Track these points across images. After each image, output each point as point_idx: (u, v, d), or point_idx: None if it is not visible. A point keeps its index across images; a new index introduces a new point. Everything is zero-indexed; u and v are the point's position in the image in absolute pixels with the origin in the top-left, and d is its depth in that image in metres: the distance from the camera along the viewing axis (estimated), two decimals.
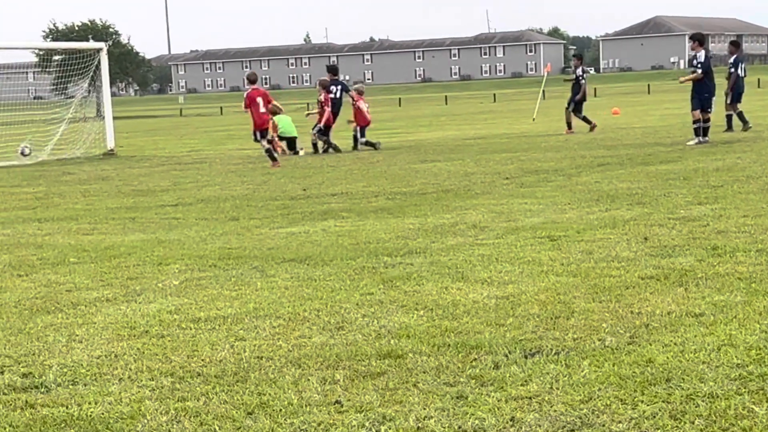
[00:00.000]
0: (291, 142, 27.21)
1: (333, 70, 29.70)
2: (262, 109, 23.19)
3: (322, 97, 27.66)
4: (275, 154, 23.39)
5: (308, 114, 30.10)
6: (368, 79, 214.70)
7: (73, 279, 9.60)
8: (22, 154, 29.71)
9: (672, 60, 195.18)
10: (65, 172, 24.69)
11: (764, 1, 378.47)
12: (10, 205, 17.34)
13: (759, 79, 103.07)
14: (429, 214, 13.12)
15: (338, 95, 28.27)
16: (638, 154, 20.90)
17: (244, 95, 23.72)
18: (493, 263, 9.34)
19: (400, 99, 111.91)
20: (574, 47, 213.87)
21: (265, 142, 23.40)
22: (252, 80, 23.90)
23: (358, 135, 27.97)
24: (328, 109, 27.25)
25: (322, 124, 27.17)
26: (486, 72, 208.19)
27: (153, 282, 9.24)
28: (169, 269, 9.88)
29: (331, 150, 26.98)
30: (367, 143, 27.75)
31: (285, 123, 27.21)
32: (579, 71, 30.71)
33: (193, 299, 8.40)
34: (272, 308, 7.91)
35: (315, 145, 27.33)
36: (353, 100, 27.98)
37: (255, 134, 23.88)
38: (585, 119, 30.45)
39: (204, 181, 20.34)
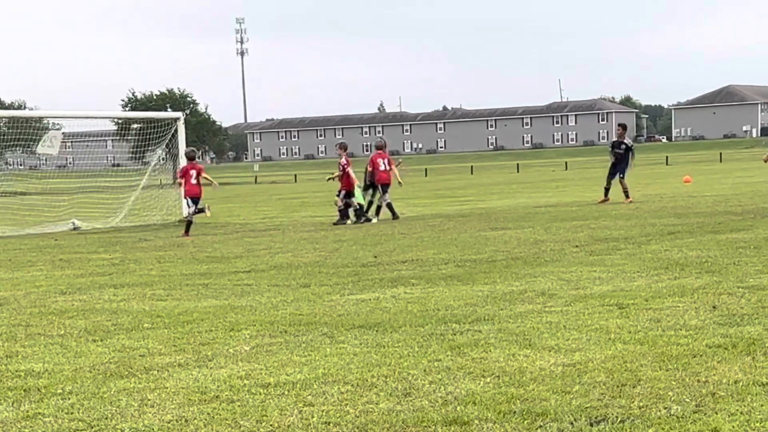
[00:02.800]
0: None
1: (380, 147, 29.40)
2: (194, 181, 25.56)
3: (343, 161, 27.82)
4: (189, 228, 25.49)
5: (329, 178, 30.07)
6: (441, 147, 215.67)
7: (147, 344, 9.78)
8: (75, 227, 30.17)
9: (744, 129, 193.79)
10: (141, 239, 25.08)
11: None
12: (86, 270, 17.66)
13: None
14: (498, 282, 13.19)
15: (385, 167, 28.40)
16: (708, 223, 20.82)
17: (179, 169, 26.81)
18: (560, 330, 9.39)
19: (472, 167, 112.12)
20: (646, 116, 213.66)
21: (191, 211, 25.76)
22: (190, 157, 26.37)
23: (352, 202, 27.47)
24: (351, 173, 27.48)
25: (344, 189, 27.38)
26: (558, 140, 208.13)
27: (224, 347, 9.40)
28: (241, 335, 10.04)
29: (363, 218, 26.93)
30: (376, 208, 27.68)
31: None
32: (628, 141, 30.99)
33: (263, 365, 8.54)
34: (341, 374, 8.02)
35: (380, 209, 27.51)
36: (342, 168, 27.63)
37: (187, 200, 26.24)
38: (607, 190, 30.58)
39: (277, 248, 20.56)
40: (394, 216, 27.53)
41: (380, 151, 28.70)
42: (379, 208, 27.94)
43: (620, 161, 30.80)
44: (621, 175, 30.72)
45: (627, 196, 30.16)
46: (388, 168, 28.37)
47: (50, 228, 29.37)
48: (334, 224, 26.44)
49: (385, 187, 28.19)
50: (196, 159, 27.43)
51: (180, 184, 26.76)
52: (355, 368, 8.20)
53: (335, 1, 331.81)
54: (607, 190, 30.66)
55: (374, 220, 27.19)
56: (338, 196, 27.60)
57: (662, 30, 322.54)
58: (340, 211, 26.98)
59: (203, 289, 14.07)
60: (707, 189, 37.31)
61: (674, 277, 12.69)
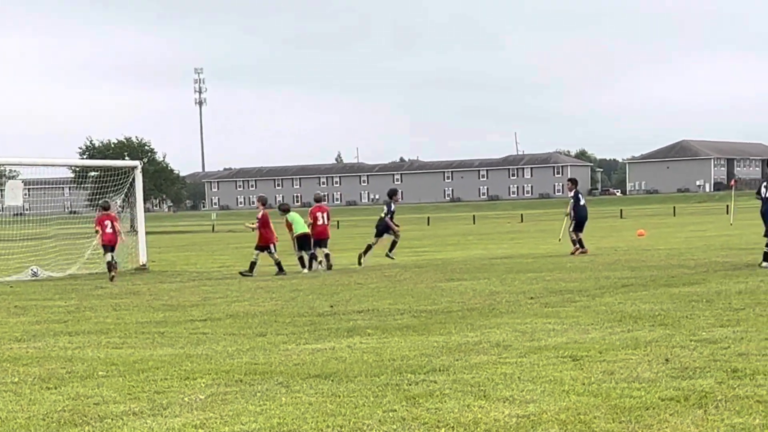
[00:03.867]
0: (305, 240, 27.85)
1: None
2: (109, 230, 27.65)
3: (260, 214, 28.18)
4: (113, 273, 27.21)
5: (247, 226, 30.20)
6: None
7: (101, 392, 9.75)
8: (34, 274, 30.01)
9: (698, 183, 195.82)
10: (98, 286, 24.97)
11: None
12: (42, 318, 17.57)
13: None
14: (453, 332, 13.25)
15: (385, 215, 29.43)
16: (662, 276, 21.01)
17: (95, 218, 28.55)
18: (515, 382, 9.46)
19: (428, 218, 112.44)
20: (601, 169, 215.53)
21: (109, 256, 27.56)
22: (105, 207, 28.47)
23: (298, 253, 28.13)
24: (269, 228, 27.97)
25: (261, 244, 27.75)
26: (514, 192, 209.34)
27: (179, 396, 9.39)
28: (196, 384, 10.03)
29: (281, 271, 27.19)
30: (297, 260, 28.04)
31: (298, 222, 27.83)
32: (571, 194, 31.52)
33: (218, 414, 8.54)
34: (296, 424, 8.03)
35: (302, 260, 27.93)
36: (259, 220, 28.06)
37: (104, 248, 27.94)
38: (579, 242, 30.89)
39: (233, 296, 20.54)
40: (309, 267, 27.82)
41: (320, 204, 29.09)
42: (327, 256, 28.18)
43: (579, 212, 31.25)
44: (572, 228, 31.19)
45: (580, 247, 30.48)
46: (326, 222, 28.70)
47: (10, 277, 29.14)
48: (275, 275, 26.65)
49: (321, 242, 28.52)
50: (111, 209, 29.34)
51: (97, 232, 28.26)
52: (311, 418, 8.22)
53: (293, 52, 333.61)
54: (576, 241, 30.93)
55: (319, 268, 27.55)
56: (266, 252, 27.83)
57: (617, 85, 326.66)
58: (277, 263, 27.23)
59: (159, 338, 14.05)
60: (661, 242, 37.64)
61: (628, 330, 12.80)
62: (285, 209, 28.81)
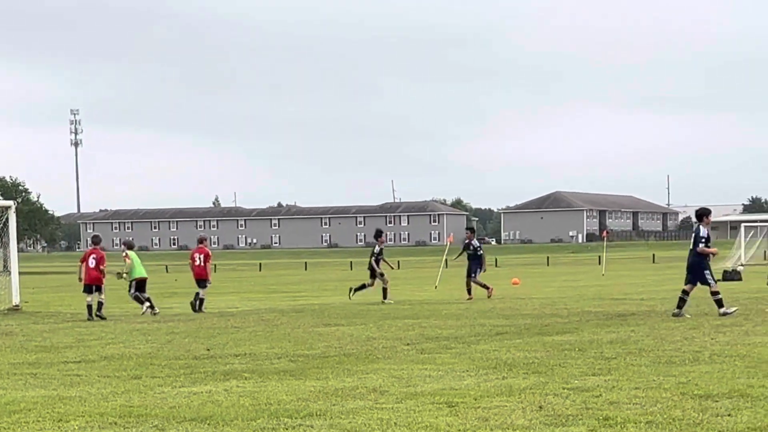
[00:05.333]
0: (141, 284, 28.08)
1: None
2: None
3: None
4: None
5: (119, 274, 30.45)
6: (276, 243, 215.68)
7: None
8: None
9: (571, 234, 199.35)
10: None
11: (658, 180, 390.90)
12: None
13: (654, 255, 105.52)
14: (330, 377, 13.30)
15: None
16: (536, 324, 21.34)
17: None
18: (391, 427, 9.54)
19: (306, 263, 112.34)
20: (477, 219, 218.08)
21: None
22: None
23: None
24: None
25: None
26: (391, 239, 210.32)
27: None
28: (69, 426, 9.91)
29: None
30: (135, 298, 28.40)
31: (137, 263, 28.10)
32: (475, 242, 32.72)
33: None
34: None
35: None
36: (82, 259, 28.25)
37: None
38: (484, 285, 32.36)
39: (108, 338, 20.29)
40: (195, 309, 28.32)
41: (200, 246, 29.52)
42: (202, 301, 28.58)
43: (471, 261, 32.61)
44: (473, 275, 32.29)
45: (469, 294, 31.75)
46: (203, 263, 29.00)
47: None
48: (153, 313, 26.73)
49: (198, 282, 29.03)
50: None
51: None
52: None
53: (171, 94, 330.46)
54: (480, 284, 32.37)
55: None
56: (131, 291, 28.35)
57: (492, 136, 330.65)
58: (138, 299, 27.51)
59: (31, 379, 13.83)
60: (535, 291, 38.18)
61: (502, 377, 12.99)
62: (129, 245, 29.42)
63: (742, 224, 75.78)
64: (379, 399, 11.34)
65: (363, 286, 32.19)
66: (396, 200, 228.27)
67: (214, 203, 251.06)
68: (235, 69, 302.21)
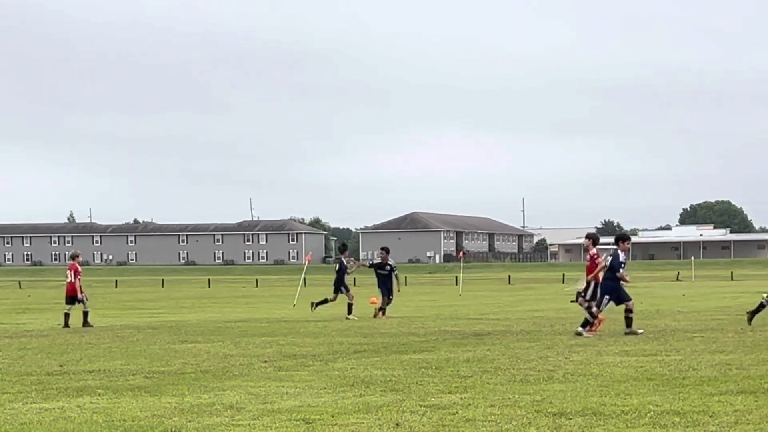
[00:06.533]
0: None
1: (74, 257, 30.02)
2: None
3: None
4: None
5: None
6: (132, 260, 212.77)
7: None
8: None
9: (428, 254, 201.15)
10: None
11: (512, 203, 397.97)
12: None
13: (510, 276, 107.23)
14: (186, 394, 13.16)
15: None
16: (393, 343, 21.45)
17: None
18: None
19: (163, 280, 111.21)
20: (335, 238, 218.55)
21: None
22: None
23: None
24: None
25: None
26: (249, 258, 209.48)
27: None
28: None
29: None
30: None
31: None
32: (391, 262, 33.33)
33: None
34: None
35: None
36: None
37: None
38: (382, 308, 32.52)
39: None
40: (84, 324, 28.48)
41: (72, 262, 29.51)
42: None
43: (384, 281, 32.81)
44: (390, 295, 32.66)
45: (383, 313, 32.06)
46: (73, 280, 29.02)
47: None
48: None
49: (68, 298, 29.11)
50: None
51: None
52: None
53: (25, 108, 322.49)
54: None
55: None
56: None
57: (348, 155, 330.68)
58: None
59: None
60: (393, 311, 38.33)
61: (359, 395, 13.02)
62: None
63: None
64: (236, 416, 11.26)
65: (325, 301, 32.81)
66: (254, 218, 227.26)
67: (68, 219, 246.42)
68: (93, 83, 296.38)
